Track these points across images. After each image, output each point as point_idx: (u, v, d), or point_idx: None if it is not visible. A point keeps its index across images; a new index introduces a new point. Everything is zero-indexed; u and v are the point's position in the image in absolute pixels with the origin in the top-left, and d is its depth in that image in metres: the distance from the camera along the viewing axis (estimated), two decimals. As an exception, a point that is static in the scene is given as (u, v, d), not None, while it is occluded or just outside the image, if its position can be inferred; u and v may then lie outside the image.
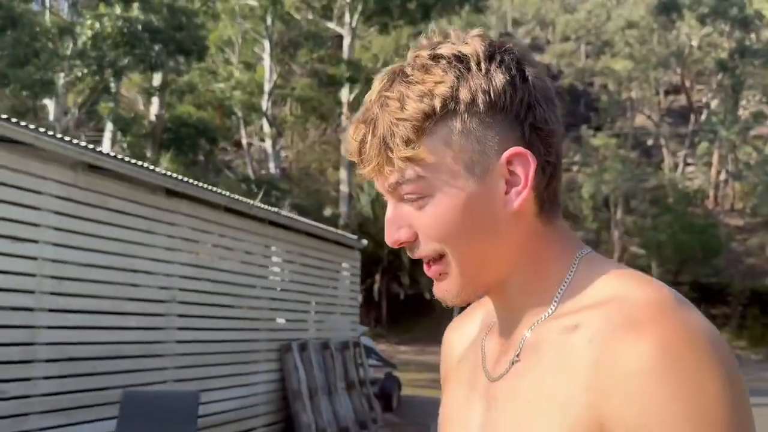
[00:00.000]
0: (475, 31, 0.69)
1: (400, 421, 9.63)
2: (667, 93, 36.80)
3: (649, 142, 35.45)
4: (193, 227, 6.16)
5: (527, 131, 0.67)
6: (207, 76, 23.12)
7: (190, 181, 6.18)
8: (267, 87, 24.43)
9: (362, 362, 9.31)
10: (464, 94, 0.65)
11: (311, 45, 25.48)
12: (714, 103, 33.41)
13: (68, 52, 12.01)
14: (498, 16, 41.61)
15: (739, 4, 28.54)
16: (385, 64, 15.34)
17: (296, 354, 7.56)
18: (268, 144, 25.85)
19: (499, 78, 0.65)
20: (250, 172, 26.44)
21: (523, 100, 0.66)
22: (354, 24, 24.57)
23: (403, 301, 26.06)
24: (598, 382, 0.60)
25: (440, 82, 0.65)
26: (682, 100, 35.36)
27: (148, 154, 17.29)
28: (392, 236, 0.71)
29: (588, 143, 31.01)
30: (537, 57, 37.09)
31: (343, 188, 25.51)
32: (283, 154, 32.58)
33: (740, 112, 31.73)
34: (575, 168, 33.87)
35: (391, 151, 0.66)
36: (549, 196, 0.70)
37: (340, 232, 9.45)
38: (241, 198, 7.03)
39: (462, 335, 0.87)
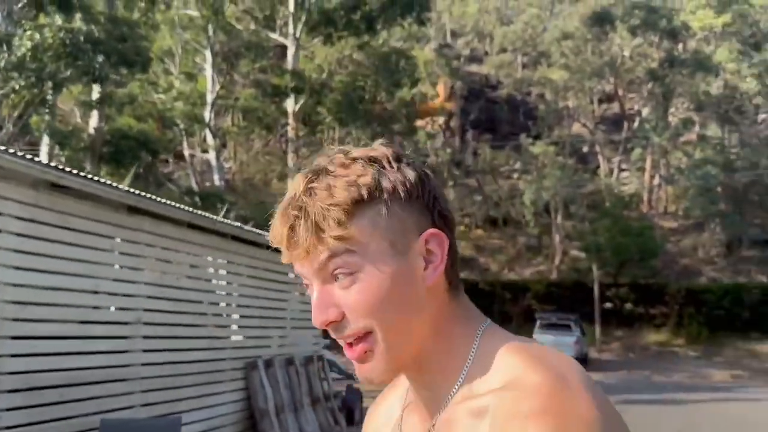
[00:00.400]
0: (379, 142, 0.80)
1: (364, 434, 9.57)
2: (600, 101, 38.14)
3: (585, 149, 36.66)
4: (156, 245, 5.97)
5: (436, 217, 0.78)
6: (147, 87, 22.52)
7: (153, 197, 5.99)
8: (209, 97, 24.00)
9: (326, 376, 9.22)
10: (386, 184, 0.75)
11: (253, 55, 25.23)
12: (645, 111, 34.86)
13: (2, 64, 11.48)
14: (437, 28, 42.29)
15: (668, 16, 29.93)
16: (330, 74, 15.33)
17: (262, 371, 7.42)
18: (211, 155, 25.36)
19: (410, 173, 0.77)
20: (193, 184, 25.86)
21: (430, 192, 0.78)
22: (298, 34, 24.46)
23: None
24: None
25: (363, 175, 0.75)
26: (615, 108, 36.73)
27: (87, 167, 16.69)
28: (320, 317, 0.75)
29: (528, 151, 31.81)
30: (476, 68, 37.75)
31: (290, 200, 25.26)
32: (226, 165, 32.05)
33: (670, 119, 33.21)
34: (516, 175, 34.68)
35: (323, 232, 0.73)
36: (454, 274, 0.79)
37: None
38: (205, 214, 6.86)
39: (385, 411, 0.91)
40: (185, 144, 26.75)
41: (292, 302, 8.87)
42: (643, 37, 30.97)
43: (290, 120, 25.13)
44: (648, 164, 33.23)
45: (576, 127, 35.88)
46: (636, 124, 34.52)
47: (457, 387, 0.76)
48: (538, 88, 34.31)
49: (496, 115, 37.67)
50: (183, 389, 6.21)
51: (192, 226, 6.45)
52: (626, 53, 31.84)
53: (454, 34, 44.75)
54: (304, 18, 24.27)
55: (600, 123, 37.17)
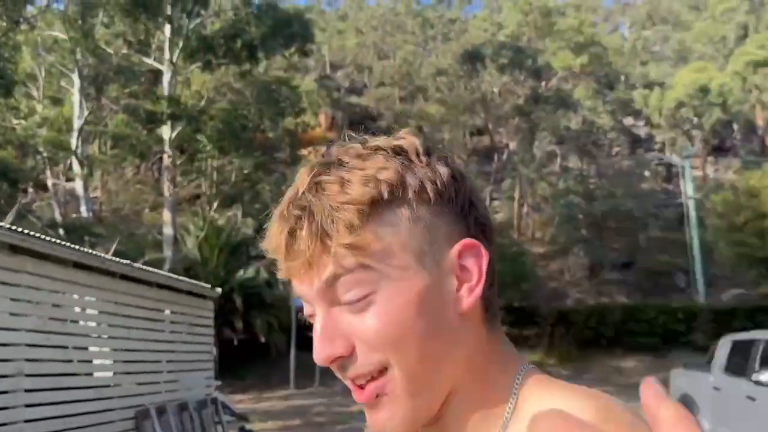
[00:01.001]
0: (405, 130, 0.66)
1: (260, 477, 9.18)
2: (472, 134, 40.01)
3: (461, 179, 38.31)
4: (40, 287, 5.43)
5: (472, 225, 0.63)
6: (5, 112, 20.74)
7: (37, 235, 5.48)
8: (77, 123, 22.49)
9: (220, 420, 8.77)
10: (412, 181, 0.60)
11: (123, 80, 24.07)
12: (513, 144, 37.02)
13: None
14: (316, 59, 42.67)
15: (533, 56, 32.20)
16: (209, 101, 14.99)
17: (155, 420, 6.92)
18: (78, 184, 23.69)
19: (443, 170, 0.62)
20: (57, 215, 23.99)
21: (465, 194, 0.63)
22: (175, 60, 23.65)
23: (236, 347, 25.03)
24: None
25: (384, 168, 0.60)
26: (486, 141, 38.69)
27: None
28: (325, 351, 0.60)
29: (408, 181, 32.74)
30: (356, 99, 38.42)
31: (167, 230, 24.16)
32: (91, 194, 30.05)
33: (536, 151, 35.47)
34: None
35: (330, 239, 0.58)
36: (492, 297, 0.64)
37: (193, 282, 8.90)
38: (92, 252, 6.35)
39: None
40: (48, 173, 24.83)
41: (182, 343, 8.40)
42: (511, 75, 33.00)
43: (166, 148, 24.11)
44: (517, 194, 35.22)
45: (452, 159, 37.41)
46: (505, 156, 36.55)
47: None
48: (417, 120, 35.49)
49: (376, 146, 38.49)
50: (68, 445, 5.64)
51: (77, 266, 5.95)
52: (495, 90, 33.74)
53: (334, 66, 45.36)
54: (181, 43, 23.54)
55: (472, 155, 38.97)
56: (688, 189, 31.73)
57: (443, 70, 33.24)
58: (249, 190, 28.27)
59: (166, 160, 24.42)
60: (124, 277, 6.81)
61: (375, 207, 0.58)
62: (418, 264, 0.59)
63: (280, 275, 0.64)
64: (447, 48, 35.13)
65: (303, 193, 0.60)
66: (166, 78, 24.03)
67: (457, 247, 0.60)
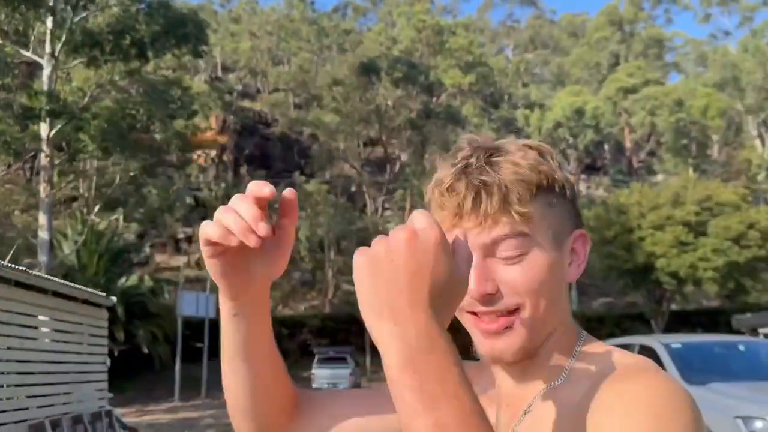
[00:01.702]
0: (533, 140, 0.82)
1: (155, 491, 8.90)
2: (366, 145, 40.66)
3: (353, 188, 38.70)
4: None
5: (579, 221, 0.82)
6: None
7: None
8: (-61, 117, 20.55)
9: (114, 432, 8.44)
10: (559, 177, 0.78)
11: (-6, 72, 22.31)
12: (405, 156, 38.00)
13: None
14: (206, 60, 41.61)
15: (426, 72, 33.28)
16: (93, 99, 14.31)
17: (49, 434, 6.58)
18: (-61, 184, 21.65)
19: (568, 176, 0.81)
20: None
21: (576, 197, 0.82)
22: (57, 54, 22.24)
23: (116, 358, 23.80)
24: (603, 405, 0.69)
25: (542, 164, 0.77)
26: (379, 151, 39.43)
27: None
28: (480, 288, 0.75)
29: (302, 189, 32.64)
30: (249, 104, 37.86)
31: (42, 234, 22.55)
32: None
33: (426, 164, 36.62)
34: (290, 212, 35.26)
35: (511, 205, 0.74)
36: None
37: (88, 290, 8.50)
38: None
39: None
40: None
41: (76, 354, 8.02)
42: (405, 89, 33.92)
43: (44, 146, 22.56)
44: (408, 204, 36.17)
45: (345, 168, 37.78)
46: (397, 167, 37.44)
47: (563, 376, 0.78)
48: (311, 128, 35.55)
49: (269, 152, 38.05)
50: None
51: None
52: (389, 102, 34.53)
53: (225, 69, 44.43)
54: (64, 37, 22.20)
55: (366, 165, 39.58)
56: (563, 204, 34.04)
57: (339, 81, 33.56)
58: (134, 194, 27.05)
59: (44, 160, 22.83)
60: (19, 285, 6.45)
61: (538, 190, 0.76)
62: (554, 241, 0.77)
63: (444, 226, 0.73)
64: (343, 59, 35.52)
65: (482, 167, 0.75)
66: (46, 72, 22.53)
67: (575, 233, 0.80)
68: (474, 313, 0.77)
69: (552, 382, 0.79)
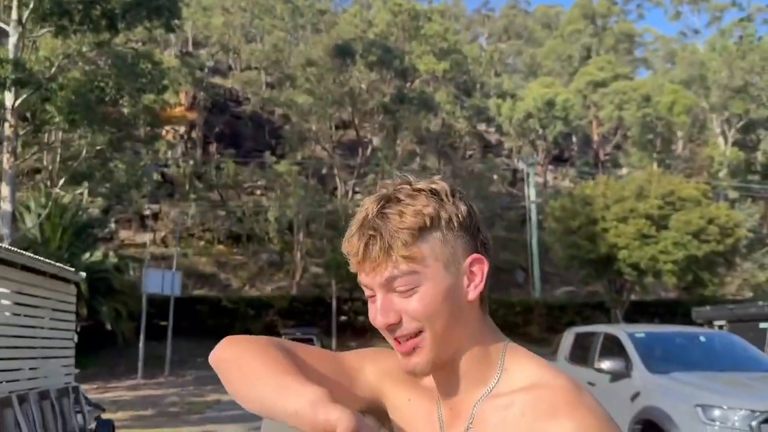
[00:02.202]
0: (436, 177, 0.97)
1: (121, 467, 8.87)
2: (338, 127, 40.44)
3: (324, 170, 38.55)
4: None
5: (479, 244, 0.95)
6: None
7: None
8: None
9: (81, 409, 8.37)
10: (444, 215, 0.92)
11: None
12: (377, 140, 37.95)
13: None
14: (177, 35, 40.76)
15: (400, 57, 33.21)
16: (61, 69, 13.98)
17: (16, 408, 6.51)
18: None
19: (463, 207, 0.94)
20: None
21: (476, 224, 0.95)
22: (24, 21, 21.54)
23: (79, 335, 23.44)
24: None
25: (427, 206, 0.91)
26: (351, 135, 39.29)
27: None
28: (384, 319, 0.91)
29: (272, 169, 32.37)
30: (221, 81, 37.20)
31: (5, 206, 21.97)
32: None
33: (398, 149, 36.65)
34: (259, 192, 34.97)
35: (393, 251, 0.89)
36: (485, 294, 0.97)
37: (57, 264, 8.37)
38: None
39: (400, 371, 1.02)
40: None
41: (43, 329, 7.91)
42: (379, 73, 33.80)
43: (8, 116, 21.91)
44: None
45: (317, 150, 37.58)
46: (369, 151, 37.39)
47: (490, 388, 0.93)
48: (283, 108, 35.19)
49: (240, 131, 37.59)
50: None
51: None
52: (363, 86, 34.38)
53: (196, 44, 43.62)
54: (32, 4, 21.50)
55: (337, 147, 39.41)
56: (531, 194, 34.51)
57: (313, 61, 33.25)
58: (100, 168, 26.48)
59: (8, 130, 22.18)
60: (-12, 258, 6.33)
61: (421, 231, 0.90)
62: (445, 270, 0.91)
63: (352, 269, 0.93)
64: (318, 39, 35.17)
65: (372, 218, 0.91)
66: (12, 40, 21.84)
67: (469, 259, 0.93)
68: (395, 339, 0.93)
69: (480, 397, 0.93)
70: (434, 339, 0.91)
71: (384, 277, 0.90)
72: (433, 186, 0.93)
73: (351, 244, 0.92)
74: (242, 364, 0.93)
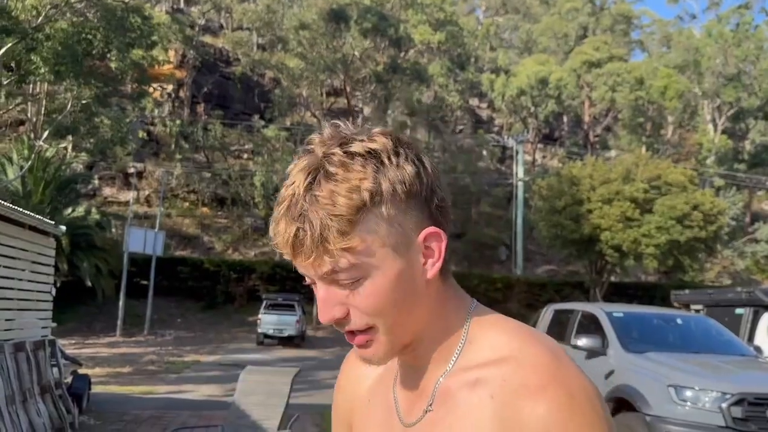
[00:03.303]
0: (376, 129, 0.79)
1: (96, 422, 8.88)
2: (329, 94, 40.06)
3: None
4: None
5: (434, 210, 0.79)
6: None
7: None
8: None
9: (57, 363, 8.34)
10: (385, 187, 0.75)
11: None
12: (367, 110, 37.66)
13: None
14: (169, -10, 39.90)
15: (396, 25, 32.76)
16: (48, 19, 13.68)
17: (-10, 359, 6.46)
18: None
19: (409, 170, 0.77)
20: None
21: (428, 185, 0.79)
22: (10, -33, 20.92)
23: (58, 289, 23.31)
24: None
25: (364, 178, 0.74)
26: (342, 102, 38.94)
27: None
28: (328, 315, 0.78)
29: (260, 133, 32.06)
30: (211, 40, 36.60)
31: (-14, 158, 21.69)
32: None
33: (388, 119, 36.39)
34: (246, 156, 34.66)
35: (329, 243, 0.74)
36: (448, 258, 0.82)
37: (37, 217, 8.23)
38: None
39: (364, 374, 0.94)
40: None
41: (20, 281, 7.82)
42: (373, 41, 33.36)
43: (-7, 63, 21.43)
44: (366, 158, 36.02)
45: (306, 116, 37.23)
46: (359, 120, 37.11)
47: (452, 363, 0.81)
48: (274, 71, 34.71)
49: (229, 92, 37.09)
50: None
51: None
52: (356, 53, 33.95)
53: (189, 1, 42.77)
54: (19, -51, 20.89)
55: (327, 115, 39.05)
56: (519, 171, 34.53)
57: (306, 25, 32.69)
58: (85, 123, 26.06)
59: (-9, 77, 21.74)
60: (-36, 206, 6.21)
61: (359, 213, 0.74)
62: (394, 253, 0.77)
63: (294, 261, 0.78)
64: (312, 2, 34.55)
65: (301, 201, 0.75)
66: (-2, -15, 21.25)
67: (423, 233, 0.78)
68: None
69: (442, 374, 0.81)
70: (388, 332, 0.79)
71: (322, 270, 0.75)
72: (371, 146, 0.76)
73: (278, 233, 0.76)
74: None
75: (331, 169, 0.74)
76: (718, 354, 6.81)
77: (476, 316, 0.83)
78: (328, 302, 0.77)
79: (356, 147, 0.75)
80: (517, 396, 0.73)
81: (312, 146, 0.78)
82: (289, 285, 26.03)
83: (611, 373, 6.45)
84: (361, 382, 0.94)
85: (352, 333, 0.79)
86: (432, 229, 0.79)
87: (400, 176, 0.76)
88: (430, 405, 0.81)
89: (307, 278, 0.79)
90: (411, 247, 0.78)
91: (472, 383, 0.77)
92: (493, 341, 0.79)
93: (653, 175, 24.58)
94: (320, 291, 0.78)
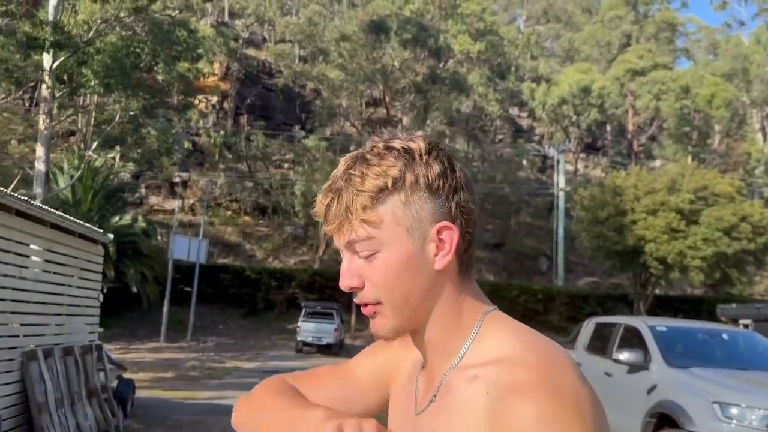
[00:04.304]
0: (419, 133, 0.91)
1: (140, 426, 9.10)
2: (368, 104, 40.33)
3: (352, 147, 38.54)
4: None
5: (453, 208, 0.87)
6: None
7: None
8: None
9: (103, 367, 8.59)
10: (409, 177, 0.85)
11: (-2, -2, 21.84)
12: (406, 120, 37.76)
13: None
14: (213, 4, 40.85)
15: (435, 36, 32.84)
16: (98, 33, 14.14)
17: (41, 362, 6.70)
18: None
19: (435, 167, 0.86)
20: None
21: (451, 185, 0.87)
22: (63, -17, 21.76)
23: (105, 295, 23.96)
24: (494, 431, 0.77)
25: (392, 166, 0.85)
26: (381, 112, 39.14)
27: None
28: (345, 282, 0.88)
29: (301, 143, 32.45)
30: (254, 52, 37.25)
31: (39, 166, 22.42)
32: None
33: (427, 129, 36.38)
34: (287, 165, 35.12)
35: (351, 214, 0.85)
36: (467, 259, 0.90)
37: (86, 225, 8.53)
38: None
39: (408, 360, 1.00)
40: None
41: (70, 287, 8.10)
42: (412, 52, 33.51)
43: (46, 77, 22.25)
44: (406, 168, 36.08)
45: (346, 126, 37.54)
46: (398, 130, 37.19)
47: (459, 358, 0.87)
48: (315, 83, 35.13)
49: (271, 103, 37.68)
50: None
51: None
52: (396, 64, 34.14)
53: (233, 14, 43.67)
54: (72, -33, 21.70)
55: (366, 125, 39.30)
56: (560, 181, 34.10)
57: (347, 36, 33.04)
58: (133, 133, 26.82)
59: (45, 91, 22.54)
60: (20, 214, 6.48)
61: (382, 193, 0.85)
62: (408, 235, 0.86)
63: (324, 228, 0.90)
64: (353, 14, 34.92)
65: (338, 179, 0.88)
66: (52, 2, 22.12)
67: (437, 225, 0.86)
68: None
69: (449, 367, 0.88)
70: (393, 309, 0.86)
71: (345, 239, 0.87)
72: (409, 144, 0.87)
73: (317, 202, 0.89)
74: (255, 424, 0.94)
75: (369, 156, 0.87)
76: (767, 371, 6.60)
77: (490, 319, 0.89)
78: (348, 271, 0.88)
79: (396, 143, 0.87)
80: (508, 392, 0.77)
81: (366, 143, 0.91)
82: (327, 293, 26.20)
83: (653, 388, 6.31)
84: (405, 362, 1.01)
85: (366, 305, 0.88)
86: (445, 223, 0.86)
87: (425, 171, 0.85)
88: (435, 396, 0.88)
89: (341, 250, 0.90)
90: (425, 235, 0.86)
91: (471, 378, 0.83)
92: (499, 342, 0.85)
93: (699, 185, 23.97)
94: (344, 261, 0.89)
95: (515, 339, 0.84)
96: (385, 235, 0.85)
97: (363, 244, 0.85)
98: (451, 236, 0.86)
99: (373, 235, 0.84)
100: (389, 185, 0.84)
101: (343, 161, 0.89)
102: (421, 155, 0.86)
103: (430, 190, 0.85)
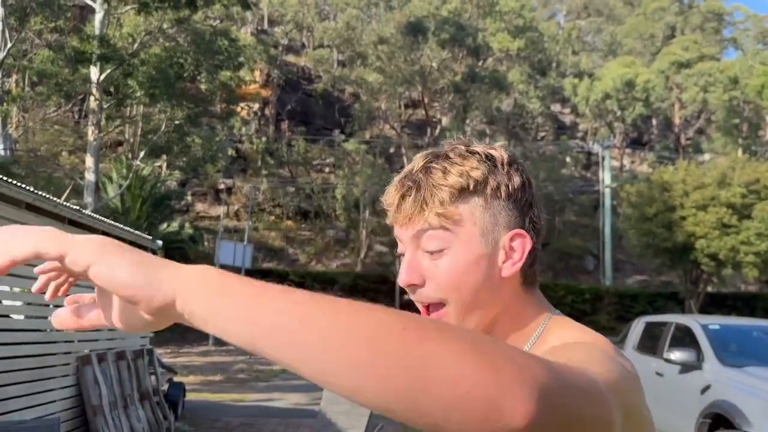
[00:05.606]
0: (499, 144, 0.92)
1: (190, 428, 9.29)
2: (407, 106, 40.33)
3: (392, 150, 38.59)
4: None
5: (527, 222, 0.88)
6: None
7: (-8, 174, 5.33)
8: (-2, 55, 21.01)
9: (154, 371, 8.80)
10: (492, 182, 0.86)
11: (47, 12, 22.68)
12: (445, 120, 37.61)
13: None
14: (253, 12, 41.46)
15: (473, 35, 32.64)
16: (142, 45, 14.54)
17: (95, 366, 6.92)
18: (-6, 121, 22.30)
19: (516, 179, 0.87)
20: (-31, 152, 22.55)
21: (527, 199, 0.88)
22: (110, -1, 22.46)
23: (155, 300, 24.56)
24: None
25: (476, 169, 0.85)
26: (420, 114, 39.10)
27: None
28: (406, 278, 0.87)
29: (341, 147, 32.67)
30: (294, 59, 37.64)
31: (89, 176, 23.16)
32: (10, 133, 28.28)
33: (467, 129, 36.17)
34: (328, 170, 35.41)
35: (427, 205, 0.84)
36: (531, 273, 0.90)
37: (135, 232, 8.77)
38: (46, 195, 6.21)
39: None
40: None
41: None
42: (450, 52, 33.37)
43: (94, 90, 22.98)
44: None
45: (386, 129, 37.62)
46: (438, 131, 37.12)
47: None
48: (353, 86, 35.33)
49: (310, 109, 38.07)
50: (10, 387, 5.60)
51: (30, 208, 5.83)
52: (434, 64, 34.05)
53: (272, 22, 44.28)
54: (117, -18, 22.37)
55: (406, 127, 39.33)
56: (605, 178, 33.42)
57: (385, 39, 33.13)
58: (178, 142, 27.45)
59: (93, 103, 23.30)
60: (72, 223, 6.70)
61: (462, 193, 0.85)
62: (481, 237, 0.85)
63: (387, 221, 0.90)
64: (390, 16, 34.99)
65: (416, 171, 0.87)
66: (98, 17, 22.84)
67: (510, 233, 0.86)
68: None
69: None
70: (457, 312, 0.85)
71: (413, 231, 0.86)
72: (490, 151, 0.88)
73: (389, 194, 0.89)
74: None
75: (452, 155, 0.87)
76: (827, 369, 6.33)
77: (553, 322, 0.89)
78: (409, 266, 0.86)
79: (477, 148, 0.88)
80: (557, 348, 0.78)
81: (444, 145, 0.91)
82: (370, 295, 26.29)
83: (707, 388, 6.13)
84: None
85: (428, 310, 0.87)
86: (521, 231, 0.87)
87: (507, 181, 0.86)
88: None
89: (399, 247, 0.89)
90: (498, 241, 0.86)
91: None
92: (559, 336, 0.85)
93: (751, 178, 23.17)
94: (407, 255, 0.87)
95: (575, 332, 0.85)
96: (459, 234, 0.84)
97: (434, 234, 0.84)
98: (524, 244, 0.86)
99: (446, 228, 0.84)
100: (471, 186, 0.84)
101: (420, 157, 0.89)
102: (503, 164, 0.86)
103: (509, 199, 0.86)
